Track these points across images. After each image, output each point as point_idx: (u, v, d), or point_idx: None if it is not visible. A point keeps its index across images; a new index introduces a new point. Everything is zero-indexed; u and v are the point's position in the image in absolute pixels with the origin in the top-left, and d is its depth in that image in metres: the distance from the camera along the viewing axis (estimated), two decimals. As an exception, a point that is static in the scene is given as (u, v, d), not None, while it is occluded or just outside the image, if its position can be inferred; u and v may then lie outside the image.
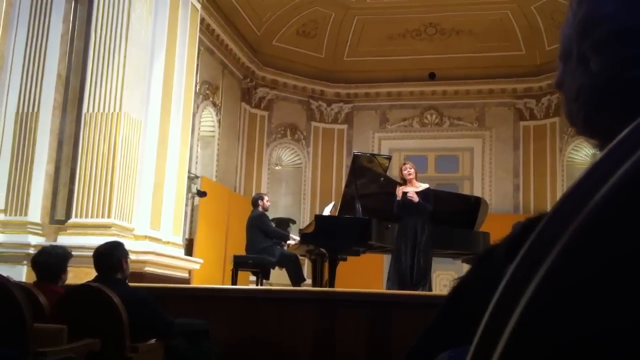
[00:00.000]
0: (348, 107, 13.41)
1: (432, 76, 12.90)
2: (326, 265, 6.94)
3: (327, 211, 7.59)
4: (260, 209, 7.89)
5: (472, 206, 7.70)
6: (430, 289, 6.69)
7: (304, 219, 12.06)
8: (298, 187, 13.03)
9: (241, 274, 7.88)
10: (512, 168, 12.66)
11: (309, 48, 12.93)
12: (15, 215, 7.06)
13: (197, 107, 10.28)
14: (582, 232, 0.35)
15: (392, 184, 7.05)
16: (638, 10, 0.51)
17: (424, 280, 6.49)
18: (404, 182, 6.85)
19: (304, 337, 4.85)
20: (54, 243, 6.18)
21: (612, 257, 0.34)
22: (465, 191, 11.87)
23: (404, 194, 6.64)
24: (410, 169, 6.84)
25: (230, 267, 8.02)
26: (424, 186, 6.84)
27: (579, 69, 0.56)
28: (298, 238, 7.40)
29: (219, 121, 11.23)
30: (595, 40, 0.53)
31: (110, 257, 3.79)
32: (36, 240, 6.82)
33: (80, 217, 6.96)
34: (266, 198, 8.10)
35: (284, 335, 4.89)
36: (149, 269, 7.19)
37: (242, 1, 11.30)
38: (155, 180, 7.69)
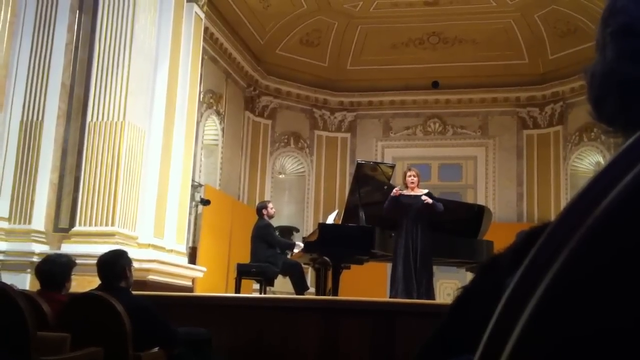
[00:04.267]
0: (351, 116, 13.43)
1: (435, 85, 12.91)
2: (330, 273, 6.92)
3: (330, 219, 7.58)
4: (265, 217, 7.87)
5: (476, 215, 7.68)
6: (432, 297, 6.65)
7: (308, 228, 12.06)
8: (301, 195, 13.03)
9: (244, 283, 7.87)
10: (515, 177, 12.64)
11: (312, 57, 12.96)
12: (20, 223, 7.07)
13: (201, 116, 10.31)
14: (588, 239, 0.35)
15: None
16: None
17: (425, 286, 6.44)
18: (405, 187, 6.80)
19: (307, 345, 4.84)
20: (58, 251, 6.19)
21: (617, 263, 0.34)
22: (469, 200, 11.86)
23: (398, 197, 6.54)
24: (414, 177, 6.71)
25: (233, 276, 8.01)
26: (423, 191, 6.79)
27: (600, 55, 0.57)
28: (302, 245, 7.39)
29: (222, 129, 11.25)
30: (611, 29, 0.55)
31: (114, 265, 3.79)
32: (40, 249, 6.83)
33: (84, 225, 6.97)
34: (270, 206, 8.08)
35: (287, 344, 4.88)
36: (152, 277, 7.19)
37: (245, 10, 11.34)
38: (159, 189, 7.70)
